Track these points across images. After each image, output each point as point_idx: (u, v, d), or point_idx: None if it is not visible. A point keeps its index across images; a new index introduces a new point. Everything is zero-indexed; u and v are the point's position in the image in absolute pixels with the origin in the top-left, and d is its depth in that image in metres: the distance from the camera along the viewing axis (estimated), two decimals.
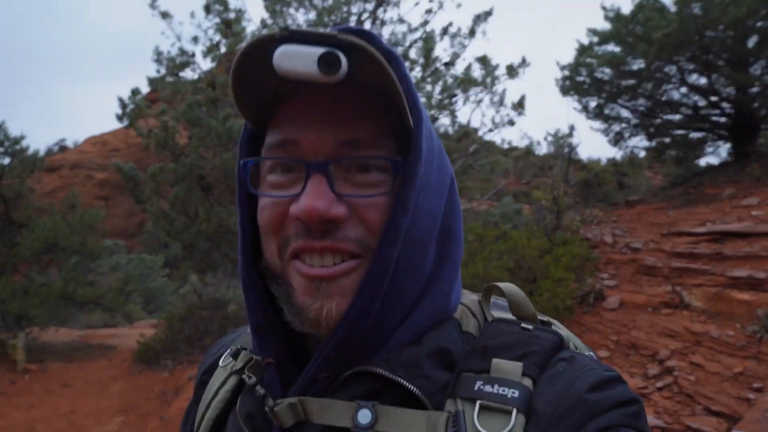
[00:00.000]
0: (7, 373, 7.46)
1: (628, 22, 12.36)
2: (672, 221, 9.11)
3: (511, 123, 9.71)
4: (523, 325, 0.74)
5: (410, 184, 0.65)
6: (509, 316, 0.79)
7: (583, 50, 13.82)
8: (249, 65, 0.65)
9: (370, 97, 0.68)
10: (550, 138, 9.50)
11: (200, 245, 8.67)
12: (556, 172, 9.27)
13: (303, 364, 0.73)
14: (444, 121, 10.36)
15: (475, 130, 9.97)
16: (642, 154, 16.85)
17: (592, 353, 0.81)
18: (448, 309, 0.74)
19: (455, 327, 0.74)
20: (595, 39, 13.52)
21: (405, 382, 0.65)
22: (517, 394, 0.63)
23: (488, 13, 10.02)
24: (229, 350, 0.87)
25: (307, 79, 0.61)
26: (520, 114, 9.01)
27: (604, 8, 12.47)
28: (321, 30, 0.61)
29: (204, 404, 0.85)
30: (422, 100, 9.79)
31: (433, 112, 10.18)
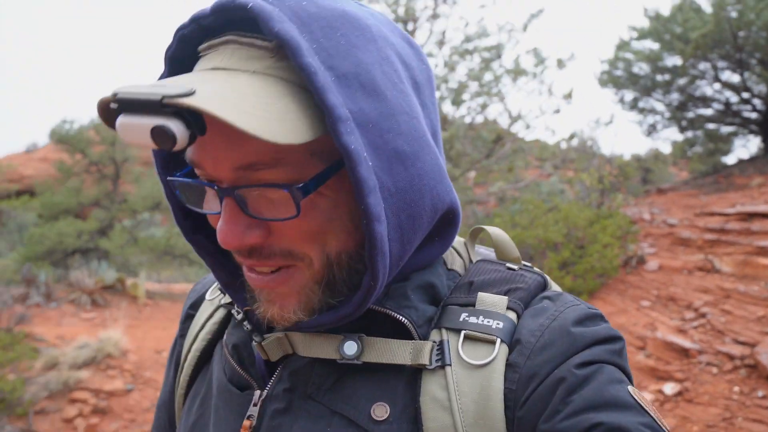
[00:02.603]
0: (132, 306, 8.78)
1: (667, 21, 13.28)
2: (704, 204, 10.10)
3: (557, 111, 10.73)
4: (508, 265, 0.76)
5: (366, 191, 0.57)
6: (494, 258, 0.82)
7: (621, 45, 14.74)
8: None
9: None
10: (592, 125, 10.45)
11: None
12: (591, 161, 10.32)
13: None
14: (497, 107, 11.37)
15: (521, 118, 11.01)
16: (668, 150, 17.74)
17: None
18: (437, 255, 0.75)
19: (441, 264, 0.76)
20: (634, 35, 14.44)
21: (393, 312, 0.67)
22: (501, 325, 0.66)
23: (540, 11, 11.06)
24: (215, 284, 0.89)
25: (152, 147, 0.53)
26: (568, 103, 10.03)
27: (645, 8, 13.36)
28: (147, 90, 0.51)
29: (191, 336, 0.88)
30: (476, 88, 10.80)
31: (484, 98, 11.24)
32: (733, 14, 12.09)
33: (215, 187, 0.60)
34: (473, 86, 11.19)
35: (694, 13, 12.91)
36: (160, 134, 0.50)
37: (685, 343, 5.46)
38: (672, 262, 7.71)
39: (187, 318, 0.93)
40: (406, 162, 0.61)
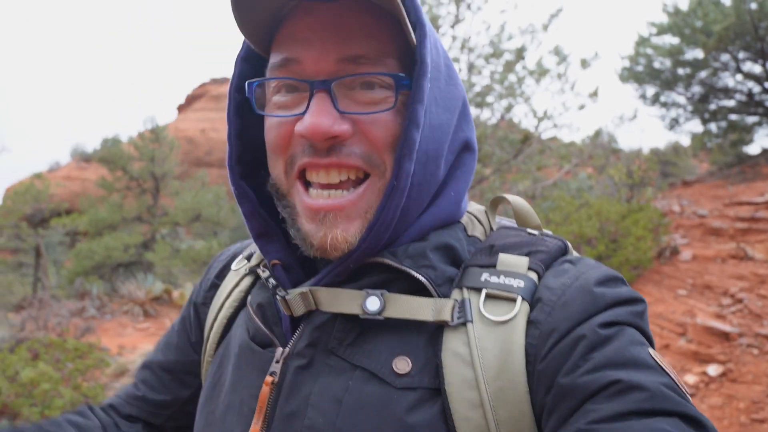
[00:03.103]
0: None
1: (686, 16, 13.43)
2: (732, 194, 10.23)
3: (582, 107, 10.93)
4: (529, 231, 0.79)
5: (418, 99, 0.67)
6: (515, 225, 0.85)
7: (641, 41, 14.89)
8: None
9: (373, 15, 0.69)
10: (616, 121, 10.60)
11: None
12: (619, 156, 10.51)
13: (310, 265, 0.79)
14: (522, 108, 11.61)
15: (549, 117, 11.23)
16: (687, 142, 17.83)
17: None
18: (455, 214, 0.79)
19: (461, 230, 0.79)
20: (654, 31, 14.58)
21: (411, 271, 0.70)
22: (522, 284, 0.68)
23: (559, 10, 11.31)
24: (242, 254, 0.93)
25: None
26: (594, 101, 10.25)
27: (664, 4, 13.53)
28: None
29: (217, 305, 0.90)
30: (500, 89, 11.06)
31: (509, 100, 11.49)
32: (753, 5, 12.22)
33: (308, 82, 0.67)
34: (498, 88, 11.45)
35: (714, 7, 13.05)
36: None
37: (725, 327, 5.65)
38: (705, 251, 7.88)
39: (212, 287, 0.95)
40: (441, 107, 0.73)
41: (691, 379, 5.11)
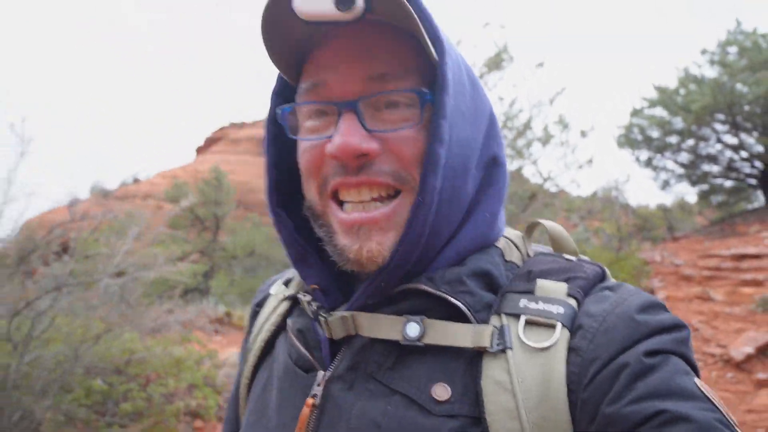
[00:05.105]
0: (240, 335, 11.08)
1: (672, 93, 15.66)
2: (707, 248, 12.17)
3: (581, 167, 12.99)
4: (566, 256, 0.78)
5: (441, 114, 0.67)
6: (551, 251, 0.84)
7: (635, 113, 17.09)
8: (276, 15, 0.69)
9: (395, 36, 0.72)
10: (612, 183, 12.56)
11: None
12: (616, 212, 12.51)
13: (347, 288, 0.80)
14: (530, 169, 13.70)
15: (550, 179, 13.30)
16: (692, 199, 19.92)
17: None
18: (491, 236, 0.78)
19: (498, 254, 0.78)
20: (646, 104, 16.77)
21: (449, 297, 0.69)
22: (562, 310, 0.66)
23: (563, 89, 13.53)
24: (279, 281, 0.98)
25: (326, 19, 0.65)
26: (590, 167, 12.32)
27: (653, 84, 15.83)
28: None
29: (257, 329, 0.94)
30: (510, 152, 13.22)
31: (521, 162, 13.57)
32: (727, 89, 14.36)
33: (335, 104, 0.70)
34: (509, 152, 13.53)
35: (696, 86, 15.25)
36: None
37: None
38: (676, 293, 9.79)
39: (254, 315, 1.00)
40: (467, 121, 0.74)
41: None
